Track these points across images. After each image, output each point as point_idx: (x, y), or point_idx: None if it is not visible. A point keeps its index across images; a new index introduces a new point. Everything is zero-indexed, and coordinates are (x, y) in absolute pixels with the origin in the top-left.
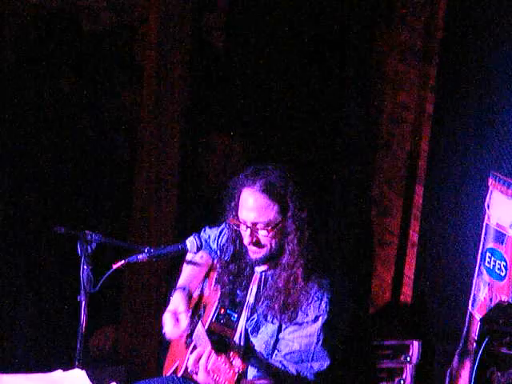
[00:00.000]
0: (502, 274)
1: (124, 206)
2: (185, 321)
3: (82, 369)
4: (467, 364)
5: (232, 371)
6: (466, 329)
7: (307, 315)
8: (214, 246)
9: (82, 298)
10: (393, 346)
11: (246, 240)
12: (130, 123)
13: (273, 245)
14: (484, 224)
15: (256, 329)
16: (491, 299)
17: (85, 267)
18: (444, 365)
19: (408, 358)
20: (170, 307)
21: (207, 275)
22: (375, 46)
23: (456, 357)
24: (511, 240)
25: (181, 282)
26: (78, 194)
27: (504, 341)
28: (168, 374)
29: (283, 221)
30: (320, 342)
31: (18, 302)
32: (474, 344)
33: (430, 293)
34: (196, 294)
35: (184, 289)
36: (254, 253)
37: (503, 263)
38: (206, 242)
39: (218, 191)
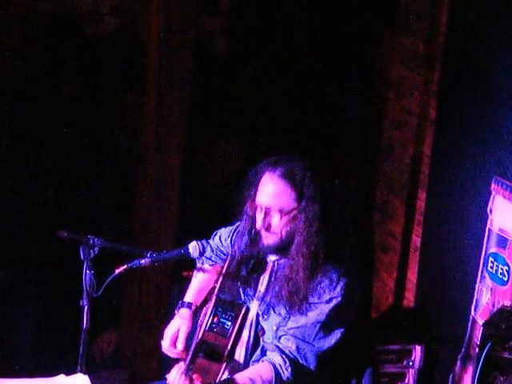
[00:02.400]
0: (505, 279)
1: (126, 211)
2: (180, 345)
3: (85, 373)
4: (470, 369)
5: None
6: (468, 333)
7: (320, 296)
8: (227, 243)
9: (85, 303)
10: (395, 351)
11: (259, 223)
12: (131, 127)
13: (283, 233)
14: (487, 229)
15: (267, 311)
16: (494, 304)
17: (87, 272)
18: (446, 369)
19: (410, 363)
20: (173, 325)
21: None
22: (378, 51)
23: (458, 361)
24: None
25: (188, 296)
26: (79, 199)
27: (506, 345)
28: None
29: (297, 209)
30: (328, 322)
31: (20, 306)
32: (477, 349)
33: (433, 298)
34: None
35: (189, 305)
36: (266, 238)
37: (506, 268)
38: (216, 245)
39: (220, 195)
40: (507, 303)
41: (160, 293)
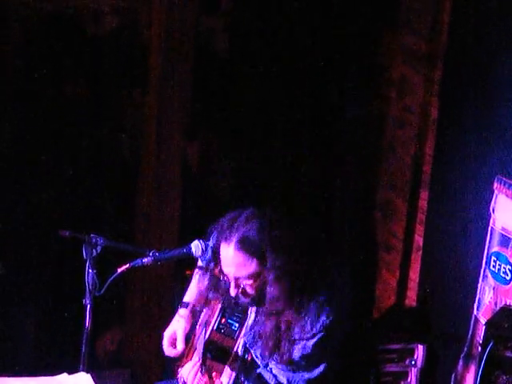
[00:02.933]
0: (507, 278)
1: (127, 210)
2: (180, 345)
3: (87, 372)
4: (472, 368)
5: None
6: (470, 333)
7: (305, 333)
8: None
9: (88, 302)
10: (397, 350)
11: (232, 292)
12: (133, 126)
13: (259, 291)
14: (489, 228)
15: (253, 343)
16: (496, 303)
17: (90, 271)
18: (449, 369)
19: (413, 362)
20: (171, 327)
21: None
22: (379, 50)
23: (461, 360)
24: None
25: (187, 296)
26: (80, 198)
27: (509, 345)
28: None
29: (264, 271)
30: (314, 354)
31: (22, 305)
32: (479, 348)
33: (435, 297)
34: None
35: (188, 305)
36: (242, 299)
37: (508, 267)
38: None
39: (221, 194)
40: (510, 302)
41: (162, 292)
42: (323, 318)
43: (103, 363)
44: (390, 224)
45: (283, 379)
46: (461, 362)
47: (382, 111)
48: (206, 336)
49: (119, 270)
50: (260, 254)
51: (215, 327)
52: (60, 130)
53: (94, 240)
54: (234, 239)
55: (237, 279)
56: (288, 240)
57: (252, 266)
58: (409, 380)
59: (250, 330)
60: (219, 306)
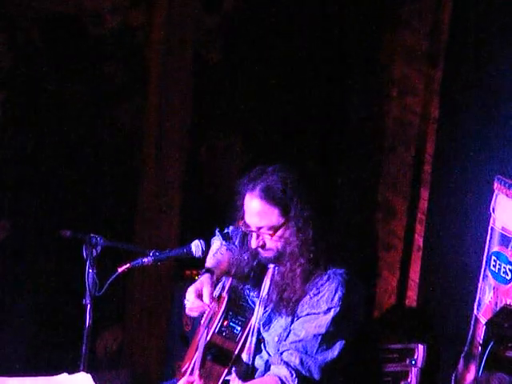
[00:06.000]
0: (508, 278)
1: (128, 210)
2: (207, 297)
3: (88, 372)
4: (472, 368)
5: None
6: (471, 332)
7: (319, 307)
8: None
9: (87, 302)
10: (398, 350)
11: (253, 243)
12: (134, 127)
13: (279, 246)
14: (489, 227)
15: (268, 322)
16: (496, 303)
17: (90, 270)
18: (449, 368)
19: (413, 362)
20: (197, 284)
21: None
22: (381, 50)
23: (461, 360)
24: None
25: (209, 262)
26: (81, 199)
27: (509, 344)
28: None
29: (286, 222)
30: (328, 334)
31: (23, 304)
32: (479, 348)
33: (435, 296)
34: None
35: (211, 273)
36: (263, 253)
37: (508, 267)
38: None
39: (221, 193)
40: (510, 302)
41: (162, 292)
42: (340, 293)
43: (103, 363)
44: (391, 224)
45: (296, 360)
46: (461, 362)
47: (382, 110)
48: (208, 338)
49: (119, 270)
50: (283, 204)
51: (217, 330)
52: (60, 130)
53: (94, 240)
54: (258, 188)
55: (259, 229)
56: (311, 195)
57: (274, 215)
58: (409, 380)
59: (267, 300)
60: (222, 307)
